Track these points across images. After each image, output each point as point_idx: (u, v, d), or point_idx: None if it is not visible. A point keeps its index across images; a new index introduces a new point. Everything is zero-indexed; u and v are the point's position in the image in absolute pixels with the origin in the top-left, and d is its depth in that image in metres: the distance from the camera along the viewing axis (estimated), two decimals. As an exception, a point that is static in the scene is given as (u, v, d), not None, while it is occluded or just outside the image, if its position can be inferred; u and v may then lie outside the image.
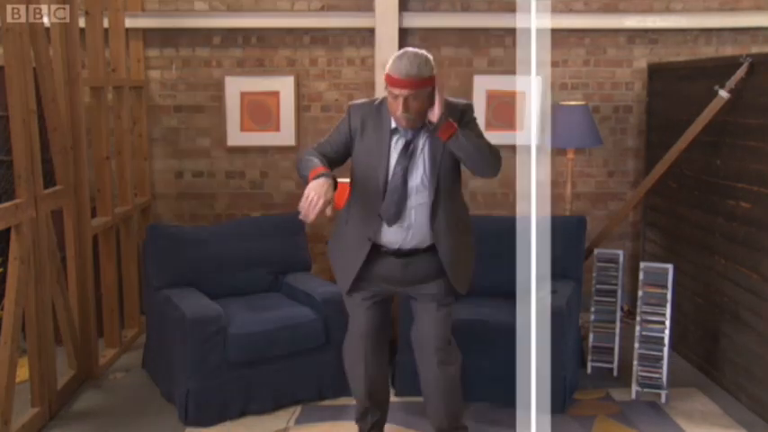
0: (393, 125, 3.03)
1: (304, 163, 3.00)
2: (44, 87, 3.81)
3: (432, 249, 3.10)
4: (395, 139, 3.04)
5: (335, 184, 2.90)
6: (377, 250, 3.10)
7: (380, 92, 4.82)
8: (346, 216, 3.20)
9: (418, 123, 2.99)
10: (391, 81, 2.90)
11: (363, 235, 3.09)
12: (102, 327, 4.51)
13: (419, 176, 3.03)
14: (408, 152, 3.02)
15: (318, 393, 3.94)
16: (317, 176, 2.85)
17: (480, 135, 3.05)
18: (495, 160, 3.01)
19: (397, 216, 3.04)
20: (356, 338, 3.27)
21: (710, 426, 3.71)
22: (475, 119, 3.10)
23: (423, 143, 3.04)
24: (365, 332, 3.24)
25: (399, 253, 3.10)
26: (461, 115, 3.04)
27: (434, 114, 2.91)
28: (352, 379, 3.35)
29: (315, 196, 2.78)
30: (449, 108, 3.00)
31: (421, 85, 2.88)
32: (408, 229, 3.06)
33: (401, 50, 2.96)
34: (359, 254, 3.10)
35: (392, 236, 3.07)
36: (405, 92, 2.88)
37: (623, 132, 5.34)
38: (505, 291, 4.25)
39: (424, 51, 2.94)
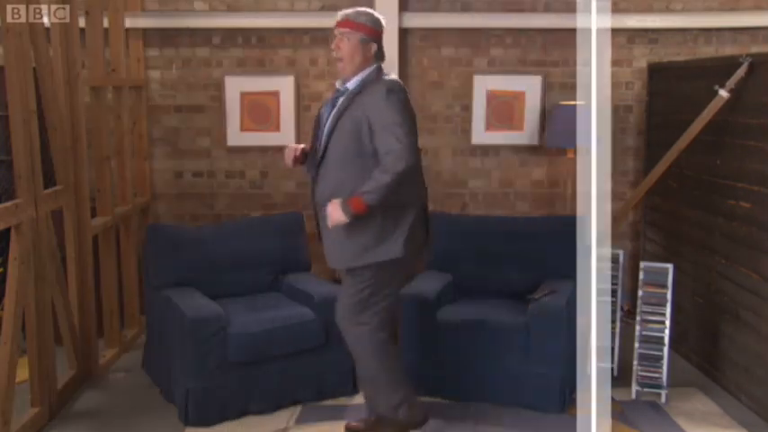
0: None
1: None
2: (44, 87, 3.81)
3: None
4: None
5: None
6: None
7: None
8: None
9: (346, 72, 3.24)
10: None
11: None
12: (102, 327, 4.51)
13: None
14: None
15: (318, 393, 3.94)
16: None
17: (388, 123, 3.10)
18: (401, 179, 3.08)
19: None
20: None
21: (710, 426, 3.71)
22: (392, 109, 3.12)
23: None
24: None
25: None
26: (363, 104, 3.16)
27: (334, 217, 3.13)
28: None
29: None
30: (374, 86, 3.18)
31: (348, 26, 3.19)
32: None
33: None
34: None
35: None
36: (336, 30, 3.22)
37: (623, 132, 5.34)
38: (506, 291, 4.26)
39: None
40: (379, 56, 3.28)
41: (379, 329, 3.29)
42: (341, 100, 3.24)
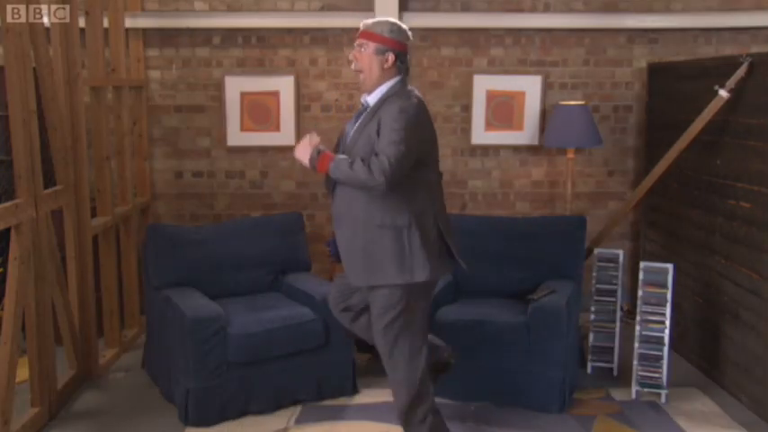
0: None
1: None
2: (44, 87, 3.81)
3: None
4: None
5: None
6: None
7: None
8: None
9: (366, 85, 3.14)
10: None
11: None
12: (102, 327, 4.51)
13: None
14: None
15: (318, 393, 3.94)
16: None
17: (391, 142, 2.95)
18: (368, 186, 2.95)
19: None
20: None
21: (710, 426, 3.71)
22: (393, 127, 2.97)
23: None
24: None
25: None
26: (379, 119, 3.03)
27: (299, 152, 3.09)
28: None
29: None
30: (393, 101, 3.05)
31: (364, 36, 3.09)
32: None
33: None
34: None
35: None
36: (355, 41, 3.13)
37: (623, 132, 5.34)
38: (506, 291, 4.26)
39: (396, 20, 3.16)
40: (402, 68, 3.12)
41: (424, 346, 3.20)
42: (362, 117, 3.12)
